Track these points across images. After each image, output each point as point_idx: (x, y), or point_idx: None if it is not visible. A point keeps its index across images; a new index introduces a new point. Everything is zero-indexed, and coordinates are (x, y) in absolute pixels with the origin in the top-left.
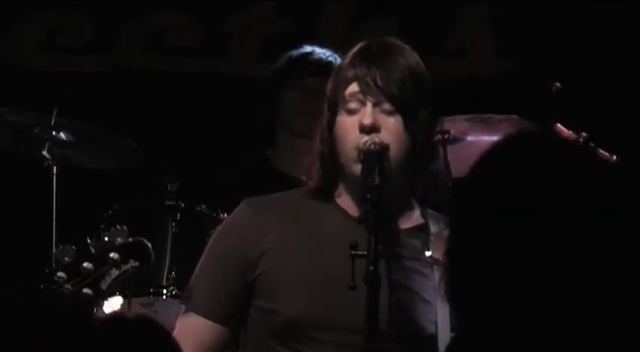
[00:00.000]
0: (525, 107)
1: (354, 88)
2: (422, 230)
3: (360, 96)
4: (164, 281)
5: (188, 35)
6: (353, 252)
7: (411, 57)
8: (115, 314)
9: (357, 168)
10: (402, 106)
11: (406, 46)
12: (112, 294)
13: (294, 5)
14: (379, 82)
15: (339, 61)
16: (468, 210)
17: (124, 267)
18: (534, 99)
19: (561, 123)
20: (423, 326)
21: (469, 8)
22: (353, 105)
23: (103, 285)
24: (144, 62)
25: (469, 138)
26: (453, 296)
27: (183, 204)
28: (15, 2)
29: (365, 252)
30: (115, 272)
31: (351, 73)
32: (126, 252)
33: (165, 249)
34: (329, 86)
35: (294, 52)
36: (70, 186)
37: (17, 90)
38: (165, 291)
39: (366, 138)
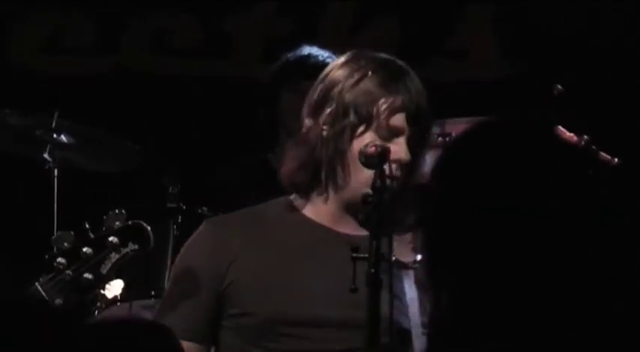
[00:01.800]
0: (527, 109)
1: (399, 117)
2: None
3: (404, 126)
4: (165, 283)
5: (189, 37)
6: (354, 255)
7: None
8: (122, 319)
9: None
10: (425, 140)
11: None
12: (111, 278)
13: (295, 6)
14: (418, 115)
15: None
16: (446, 196)
17: (124, 251)
18: (536, 102)
19: (563, 126)
20: (401, 326)
21: (471, 9)
22: (389, 132)
23: (103, 270)
24: (145, 64)
25: None
26: (433, 282)
27: (184, 207)
28: (16, 3)
29: (366, 255)
30: (114, 256)
31: (397, 100)
32: (125, 235)
33: (166, 252)
34: (346, 96)
35: (292, 55)
36: (71, 188)
37: (18, 92)
38: None
39: (368, 141)
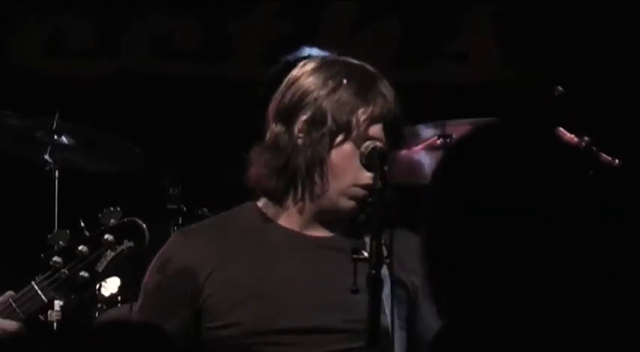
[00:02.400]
0: (528, 111)
1: (377, 127)
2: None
3: (381, 136)
4: None
5: (190, 39)
6: (355, 256)
7: None
8: (118, 320)
9: (346, 203)
10: (398, 147)
11: None
12: (108, 276)
13: (296, 8)
14: (396, 125)
15: None
16: (447, 198)
17: (119, 248)
18: (536, 103)
19: (564, 127)
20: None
21: (471, 10)
22: (367, 142)
23: (99, 267)
24: (146, 66)
25: None
26: (436, 284)
27: (185, 208)
28: (18, 6)
29: (367, 256)
30: (110, 254)
31: (376, 110)
32: (120, 232)
33: None
34: (324, 102)
35: (292, 56)
36: (71, 189)
37: (19, 93)
38: None
39: (367, 142)
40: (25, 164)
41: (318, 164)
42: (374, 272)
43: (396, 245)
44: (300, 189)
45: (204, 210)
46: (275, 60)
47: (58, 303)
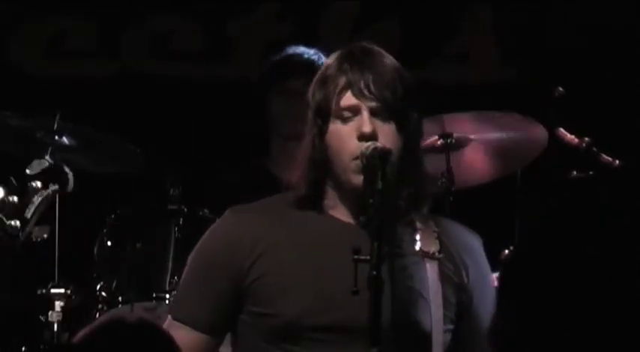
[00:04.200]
0: (529, 111)
1: (347, 95)
2: (409, 225)
3: (355, 103)
4: (167, 285)
5: (190, 40)
6: (355, 257)
7: (393, 59)
8: (116, 318)
9: (356, 178)
10: (395, 111)
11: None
12: (37, 221)
13: (296, 9)
14: (372, 88)
15: (322, 59)
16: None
17: (45, 193)
18: (537, 104)
19: (564, 128)
20: (422, 324)
21: (473, 12)
22: (347, 113)
23: (28, 214)
24: (147, 67)
25: (472, 136)
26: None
27: (185, 209)
28: (18, 6)
29: (368, 257)
30: (37, 199)
31: (342, 80)
32: (46, 178)
33: (167, 254)
34: (316, 93)
35: (277, 56)
36: (72, 190)
37: (20, 94)
38: (167, 296)
39: (368, 143)
40: (26, 164)
41: (322, 150)
42: (374, 272)
43: (447, 239)
44: (328, 179)
45: (205, 210)
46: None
47: (58, 304)
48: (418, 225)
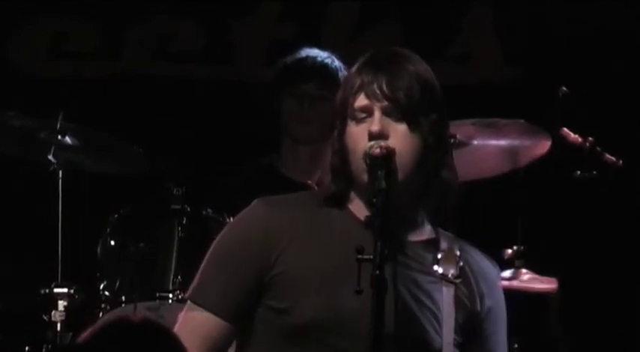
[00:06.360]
0: (532, 111)
1: (361, 96)
2: (432, 244)
3: (368, 103)
4: (170, 285)
5: (192, 41)
6: (359, 256)
7: (419, 64)
8: (121, 317)
9: (366, 177)
10: (409, 113)
11: (414, 54)
12: None
13: (298, 10)
14: (385, 89)
15: (335, 62)
16: None
17: None
18: (541, 104)
19: (568, 128)
20: (429, 338)
21: (474, 13)
22: (361, 114)
23: None
24: (149, 68)
25: (475, 142)
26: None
27: (189, 208)
28: (22, 8)
29: (371, 256)
30: None
31: (357, 81)
32: None
33: (171, 254)
34: (338, 95)
35: (289, 58)
36: (75, 190)
37: (23, 94)
38: (171, 296)
39: (371, 142)
40: (29, 164)
41: (342, 151)
42: (378, 272)
43: (467, 264)
44: (342, 178)
45: (209, 210)
46: (277, 62)
47: (62, 304)
48: (442, 245)
